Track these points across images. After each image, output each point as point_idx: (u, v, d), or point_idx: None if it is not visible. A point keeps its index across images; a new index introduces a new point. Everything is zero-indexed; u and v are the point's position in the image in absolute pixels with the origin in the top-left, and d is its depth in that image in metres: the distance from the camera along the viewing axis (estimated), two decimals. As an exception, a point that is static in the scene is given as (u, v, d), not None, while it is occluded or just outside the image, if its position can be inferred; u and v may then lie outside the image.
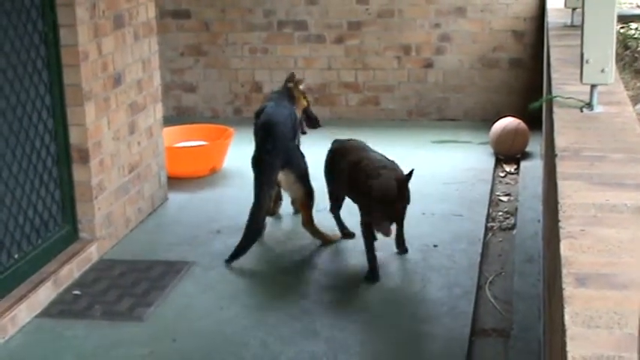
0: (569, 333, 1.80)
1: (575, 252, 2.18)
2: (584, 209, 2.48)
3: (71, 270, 5.20)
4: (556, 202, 2.61)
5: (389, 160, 5.32)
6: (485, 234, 5.85)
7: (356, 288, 5.09)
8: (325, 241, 5.64)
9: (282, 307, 4.86)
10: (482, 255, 5.51)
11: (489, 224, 6.06)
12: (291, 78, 6.09)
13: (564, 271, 2.07)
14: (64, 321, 4.75)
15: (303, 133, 6.16)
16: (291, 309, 4.82)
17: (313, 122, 6.24)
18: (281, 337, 4.49)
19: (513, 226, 6.01)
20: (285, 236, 5.92)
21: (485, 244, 5.70)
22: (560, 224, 2.36)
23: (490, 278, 5.22)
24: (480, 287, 5.08)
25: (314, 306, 4.87)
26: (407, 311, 4.79)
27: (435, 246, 5.58)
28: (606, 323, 1.82)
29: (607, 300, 1.93)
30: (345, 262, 5.56)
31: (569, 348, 1.74)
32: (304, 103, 6.10)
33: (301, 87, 6.09)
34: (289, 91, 5.99)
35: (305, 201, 5.64)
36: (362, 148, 5.55)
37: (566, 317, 1.87)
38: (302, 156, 5.69)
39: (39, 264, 5.05)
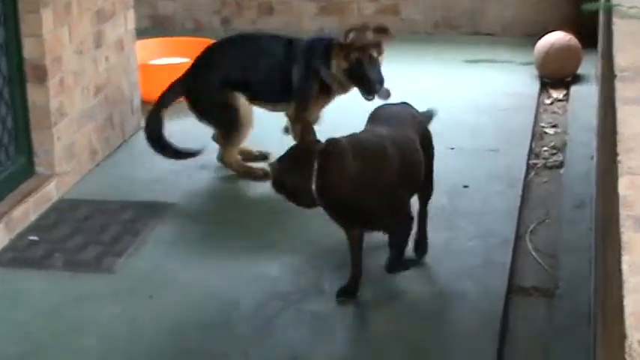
0: (626, 285, 1.84)
1: (637, 190, 2.21)
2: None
3: (26, 211, 5.26)
4: (614, 132, 2.63)
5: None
6: (527, 173, 5.91)
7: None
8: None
9: (279, 257, 4.92)
10: (523, 198, 5.56)
11: (532, 161, 6.12)
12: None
13: (622, 213, 2.10)
14: (18, 271, 4.83)
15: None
16: (292, 259, 4.90)
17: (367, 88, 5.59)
18: (279, 294, 4.55)
19: (561, 164, 6.06)
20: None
21: (527, 186, 5.76)
22: (619, 158, 2.39)
23: (532, 226, 5.28)
24: (519, 237, 5.14)
25: (320, 256, 4.94)
26: (431, 264, 4.85)
27: (465, 187, 5.64)
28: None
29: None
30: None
31: (626, 302, 1.78)
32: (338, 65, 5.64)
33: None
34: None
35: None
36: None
37: (624, 266, 1.90)
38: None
39: (-15, 204, 5.13)
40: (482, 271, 4.73)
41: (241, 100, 5.75)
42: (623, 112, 2.71)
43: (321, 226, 4.72)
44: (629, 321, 1.72)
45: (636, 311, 1.75)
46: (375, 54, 5.50)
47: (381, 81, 5.45)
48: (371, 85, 5.47)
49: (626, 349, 1.65)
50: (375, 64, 5.49)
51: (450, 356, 4.11)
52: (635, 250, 1.96)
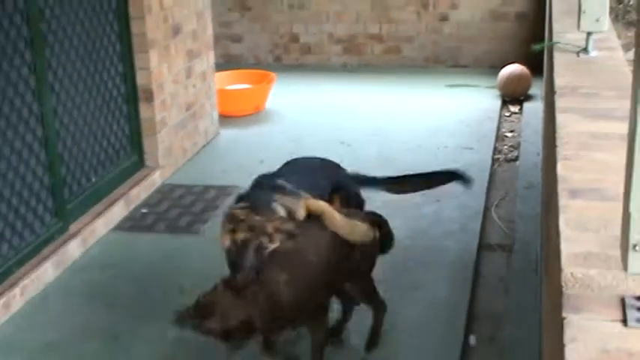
0: (563, 236, 1.88)
1: (570, 171, 2.24)
2: (579, 137, 2.53)
3: (139, 192, 5.33)
4: (554, 132, 2.66)
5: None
6: (492, 164, 5.89)
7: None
8: None
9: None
10: (490, 182, 5.55)
11: (496, 156, 6.09)
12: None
13: (560, 187, 2.14)
14: (134, 234, 4.89)
15: None
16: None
17: None
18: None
19: (517, 158, 6.05)
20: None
21: (492, 173, 5.74)
22: (558, 149, 2.42)
23: (496, 202, 5.28)
24: (487, 209, 5.14)
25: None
26: (423, 228, 4.86)
27: (450, 174, 5.64)
28: (595, 227, 1.89)
29: (596, 209, 1.99)
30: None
31: (563, 247, 1.82)
32: None
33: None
34: None
35: None
36: None
37: (561, 223, 1.94)
38: None
39: (112, 186, 5.18)
40: (460, 234, 4.74)
41: None
42: (560, 118, 2.74)
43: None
44: (564, 260, 1.76)
45: (569, 253, 1.79)
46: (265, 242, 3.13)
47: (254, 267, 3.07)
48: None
49: (562, 279, 1.69)
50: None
51: (437, 292, 4.10)
52: (569, 212, 2.00)
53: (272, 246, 3.07)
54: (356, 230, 3.33)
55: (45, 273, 4.28)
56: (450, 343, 3.66)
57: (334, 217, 3.31)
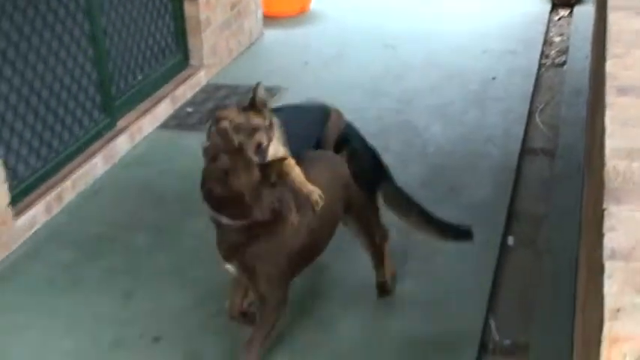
0: (608, 131, 1.87)
1: (619, 69, 2.21)
2: (630, 35, 2.47)
3: (184, 91, 5.37)
4: (605, 30, 2.61)
5: None
6: (539, 69, 5.79)
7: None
8: None
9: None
10: (535, 87, 5.48)
11: (543, 61, 5.99)
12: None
13: (608, 84, 2.12)
14: (179, 132, 4.95)
15: None
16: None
17: None
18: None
19: (564, 63, 5.93)
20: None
21: (538, 78, 5.66)
22: (607, 47, 2.38)
23: (541, 106, 5.23)
24: (531, 114, 5.09)
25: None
26: (465, 133, 4.84)
27: (493, 79, 5.57)
28: (640, 124, 1.88)
29: (643, 107, 1.98)
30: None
31: (607, 143, 1.82)
32: None
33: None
34: None
35: None
36: None
37: (607, 120, 1.93)
38: None
39: (158, 85, 5.22)
40: (503, 138, 4.72)
41: None
42: (612, 16, 2.68)
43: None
44: (608, 154, 1.76)
45: (613, 147, 1.79)
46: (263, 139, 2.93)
47: None
48: None
49: (605, 172, 1.70)
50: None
51: (478, 194, 4.13)
52: (615, 109, 1.98)
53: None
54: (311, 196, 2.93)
55: (94, 167, 4.39)
56: (488, 244, 3.71)
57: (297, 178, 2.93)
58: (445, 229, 3.36)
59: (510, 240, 3.82)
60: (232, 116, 2.90)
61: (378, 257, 3.32)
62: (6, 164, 3.75)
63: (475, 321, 3.22)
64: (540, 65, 5.87)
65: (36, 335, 3.21)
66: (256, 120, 2.90)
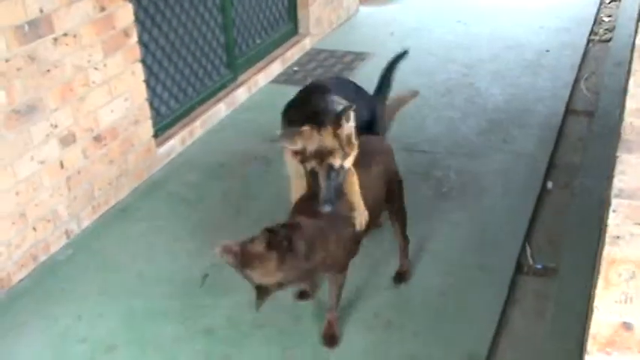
0: (629, 93, 1.80)
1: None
2: (659, 14, 2.34)
3: (292, 54, 5.38)
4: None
5: None
6: (587, 44, 5.52)
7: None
8: None
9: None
10: (583, 59, 5.24)
11: (591, 37, 5.69)
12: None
13: (636, 54, 2.03)
14: (287, 86, 4.89)
15: None
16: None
17: None
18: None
19: (610, 39, 5.62)
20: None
21: (586, 52, 5.40)
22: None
23: (586, 75, 5.00)
24: (577, 81, 4.88)
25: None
26: (519, 94, 4.68)
27: (547, 51, 5.35)
28: (658, 88, 1.80)
29: (662, 74, 1.89)
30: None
31: (627, 103, 1.75)
32: None
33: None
34: None
35: None
36: None
37: (630, 83, 1.86)
38: None
39: (272, 48, 5.25)
40: (551, 100, 4.56)
41: None
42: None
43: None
44: (627, 112, 1.70)
45: (632, 107, 1.72)
46: (335, 161, 2.39)
47: (330, 199, 2.41)
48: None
49: (622, 128, 1.65)
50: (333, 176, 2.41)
51: (525, 145, 4.02)
52: (639, 75, 1.90)
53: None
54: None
55: (219, 111, 4.49)
56: (530, 186, 3.63)
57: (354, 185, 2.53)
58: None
59: (549, 184, 3.72)
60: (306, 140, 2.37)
61: (405, 245, 2.97)
62: (152, 105, 3.89)
63: (514, 248, 3.18)
64: (589, 41, 5.59)
65: (167, 238, 3.34)
66: (329, 142, 2.35)
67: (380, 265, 3.09)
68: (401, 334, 2.70)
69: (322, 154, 2.35)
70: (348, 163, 2.42)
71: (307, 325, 2.77)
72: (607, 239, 1.28)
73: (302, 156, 2.38)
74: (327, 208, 2.40)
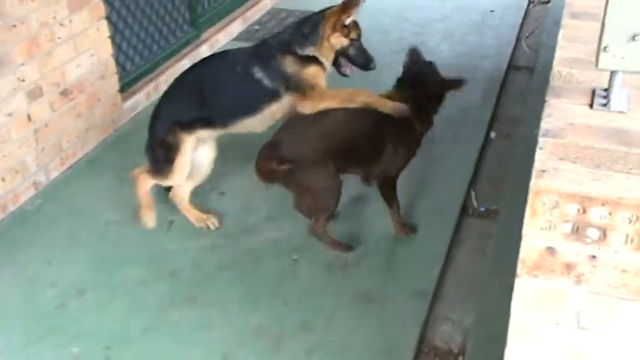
0: (559, 45, 1.86)
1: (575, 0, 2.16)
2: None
3: (253, 13, 5.31)
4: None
5: None
6: (528, 5, 5.57)
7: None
8: None
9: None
10: (524, 19, 5.30)
11: (532, -1, 5.77)
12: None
13: (565, 11, 2.08)
14: (248, 44, 4.87)
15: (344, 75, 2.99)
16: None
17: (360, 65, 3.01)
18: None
19: (549, 1, 5.68)
20: None
21: (527, 12, 5.46)
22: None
23: (527, 34, 5.07)
24: (518, 39, 4.95)
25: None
26: (466, 51, 4.72)
27: (491, 11, 5.39)
28: (584, 41, 1.85)
29: (589, 28, 1.93)
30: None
31: (556, 54, 1.80)
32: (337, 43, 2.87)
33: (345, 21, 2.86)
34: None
35: None
36: None
37: (560, 37, 1.91)
38: None
39: (234, 7, 5.17)
40: (495, 57, 4.62)
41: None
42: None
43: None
44: (556, 61, 1.76)
45: (560, 57, 1.77)
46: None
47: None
48: (371, 62, 3.02)
49: (551, 75, 1.70)
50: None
51: (471, 98, 4.04)
52: (567, 28, 1.95)
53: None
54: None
55: (183, 67, 4.37)
56: (476, 135, 3.72)
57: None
58: None
59: (492, 134, 3.81)
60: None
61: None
62: (117, 61, 3.83)
63: (459, 192, 3.26)
64: (530, 2, 5.64)
65: (133, 187, 3.29)
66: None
67: (342, 209, 3.14)
68: (357, 272, 2.77)
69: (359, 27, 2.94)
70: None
71: (267, 266, 2.82)
72: (534, 173, 1.34)
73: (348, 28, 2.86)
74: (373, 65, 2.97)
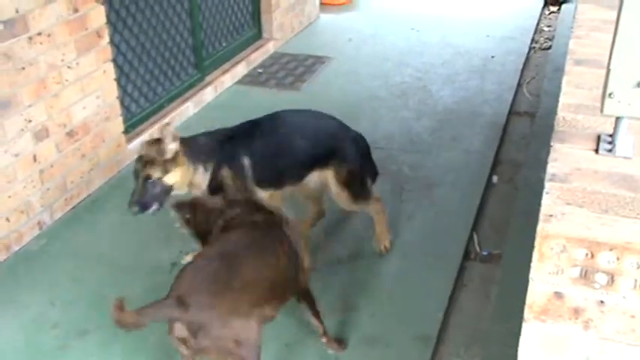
0: (563, 91, 1.89)
1: (578, 46, 2.21)
2: (592, 22, 2.45)
3: (256, 57, 5.40)
4: (573, 18, 2.58)
5: None
6: (529, 51, 5.68)
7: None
8: None
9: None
10: (525, 65, 5.38)
11: (533, 45, 5.85)
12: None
13: (568, 57, 2.12)
14: (252, 87, 5.00)
15: None
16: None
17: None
18: (389, 107, 4.63)
19: (549, 47, 5.79)
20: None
21: (528, 58, 5.55)
22: (573, 30, 2.36)
23: (527, 80, 5.15)
24: (519, 85, 5.02)
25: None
26: (467, 97, 4.79)
27: (492, 57, 5.48)
28: (589, 87, 1.89)
29: (592, 75, 1.98)
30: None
31: (561, 99, 1.84)
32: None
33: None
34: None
35: None
36: None
37: (563, 83, 1.95)
38: None
39: (237, 51, 5.27)
40: (496, 102, 4.68)
41: None
42: (580, 6, 2.64)
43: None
44: (560, 107, 1.79)
45: (564, 103, 1.81)
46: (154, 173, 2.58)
47: (137, 202, 2.62)
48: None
49: (556, 121, 1.73)
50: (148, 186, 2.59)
51: (472, 143, 4.12)
52: (571, 75, 1.99)
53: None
54: None
55: (187, 110, 4.49)
56: (478, 180, 3.74)
57: None
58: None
59: (495, 178, 3.83)
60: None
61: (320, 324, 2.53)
62: (122, 103, 3.87)
63: (462, 236, 3.27)
64: (530, 48, 5.75)
65: (136, 228, 3.28)
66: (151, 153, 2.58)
67: (343, 251, 3.14)
68: (359, 315, 2.76)
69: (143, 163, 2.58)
70: (170, 179, 2.58)
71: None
72: (541, 217, 1.35)
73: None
74: (134, 209, 2.59)
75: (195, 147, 2.68)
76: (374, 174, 3.05)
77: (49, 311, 2.78)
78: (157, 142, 2.58)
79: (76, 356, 2.55)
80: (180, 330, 2.02)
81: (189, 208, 2.41)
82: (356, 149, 2.90)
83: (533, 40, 5.93)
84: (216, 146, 2.71)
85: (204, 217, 2.37)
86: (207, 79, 4.81)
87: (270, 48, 5.59)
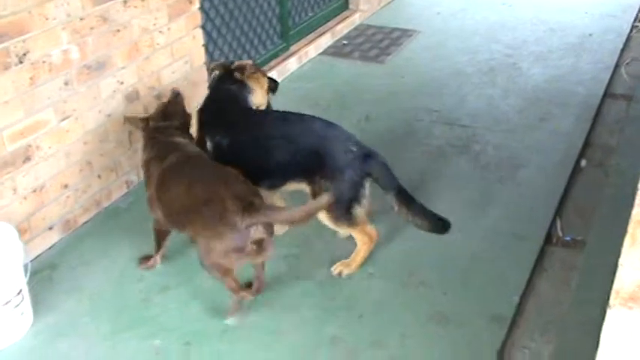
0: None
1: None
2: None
3: (342, 28, 5.39)
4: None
5: None
6: (631, 30, 5.38)
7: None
8: None
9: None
10: (625, 44, 5.12)
11: (636, 24, 5.54)
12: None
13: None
14: (336, 58, 5.01)
15: None
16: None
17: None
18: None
19: (653, 27, 5.50)
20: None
21: (629, 38, 5.27)
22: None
23: (627, 60, 4.90)
24: (617, 66, 4.78)
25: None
26: (560, 75, 4.62)
27: (590, 35, 5.25)
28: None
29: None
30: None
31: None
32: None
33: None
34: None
35: None
36: None
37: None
38: None
39: (322, 22, 5.28)
40: (591, 82, 4.49)
41: None
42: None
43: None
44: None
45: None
46: None
47: None
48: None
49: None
50: None
51: (563, 124, 3.99)
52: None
53: None
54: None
55: (271, 78, 4.56)
56: (565, 163, 3.62)
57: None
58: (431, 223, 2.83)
59: (583, 162, 3.70)
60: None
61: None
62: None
63: (545, 220, 3.18)
64: (633, 27, 5.45)
65: None
66: None
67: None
68: (432, 292, 2.75)
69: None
70: None
71: (343, 277, 2.84)
72: (637, 201, 1.30)
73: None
74: None
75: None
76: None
77: (135, 266, 2.93)
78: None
79: (157, 310, 2.69)
80: (259, 232, 2.37)
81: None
82: (351, 173, 2.65)
83: (636, 18, 5.62)
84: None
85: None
86: (292, 48, 4.85)
87: (356, 19, 5.56)
